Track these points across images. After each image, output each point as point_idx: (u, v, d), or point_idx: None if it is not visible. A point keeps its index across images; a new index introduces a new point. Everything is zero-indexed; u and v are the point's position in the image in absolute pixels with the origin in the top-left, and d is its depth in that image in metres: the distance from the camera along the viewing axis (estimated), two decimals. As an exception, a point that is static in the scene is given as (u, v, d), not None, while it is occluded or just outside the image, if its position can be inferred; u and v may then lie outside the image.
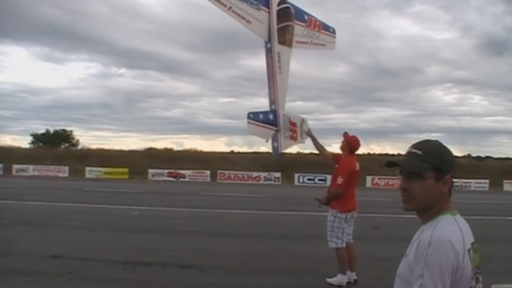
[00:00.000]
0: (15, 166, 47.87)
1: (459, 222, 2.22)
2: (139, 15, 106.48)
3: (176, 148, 68.28)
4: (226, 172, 46.41)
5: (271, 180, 45.13)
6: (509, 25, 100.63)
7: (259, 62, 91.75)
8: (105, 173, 45.84)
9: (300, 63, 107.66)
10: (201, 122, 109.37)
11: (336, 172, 8.32)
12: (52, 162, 50.48)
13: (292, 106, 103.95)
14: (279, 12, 9.65)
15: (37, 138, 73.45)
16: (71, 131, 76.82)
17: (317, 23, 10.59)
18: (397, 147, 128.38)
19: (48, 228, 13.36)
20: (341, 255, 8.22)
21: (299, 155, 67.16)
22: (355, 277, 8.34)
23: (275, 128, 10.00)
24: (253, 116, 9.95)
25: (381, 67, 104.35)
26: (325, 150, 9.11)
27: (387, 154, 73.64)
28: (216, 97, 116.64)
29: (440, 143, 2.34)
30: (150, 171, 45.80)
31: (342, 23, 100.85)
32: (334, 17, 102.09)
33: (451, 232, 2.13)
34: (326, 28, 10.81)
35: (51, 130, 75.01)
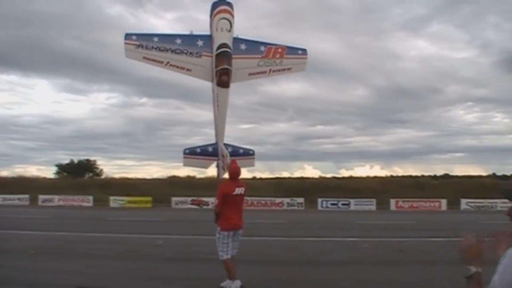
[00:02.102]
0: (41, 197, 48.46)
1: None
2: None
3: (198, 175, 68.29)
4: (248, 198, 46.26)
5: (294, 205, 44.96)
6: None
7: (277, 88, 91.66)
8: (129, 202, 46.12)
9: (319, 87, 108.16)
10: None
11: None
12: (76, 191, 50.89)
13: (313, 130, 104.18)
14: (217, 56, 10.32)
15: (62, 168, 74.01)
16: (94, 160, 77.23)
17: (279, 50, 11.13)
18: (420, 169, 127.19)
19: (73, 258, 13.48)
20: (226, 265, 9.56)
21: (320, 179, 67.03)
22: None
23: (214, 158, 11.43)
24: (189, 151, 11.67)
25: (399, 89, 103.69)
26: None
27: (410, 176, 72.86)
28: (236, 124, 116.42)
29: None
30: (173, 199, 45.90)
31: (359, 46, 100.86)
32: (350, 40, 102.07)
33: None
34: (292, 52, 11.26)
35: (75, 160, 75.78)
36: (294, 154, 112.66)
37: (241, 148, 12.01)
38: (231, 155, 11.05)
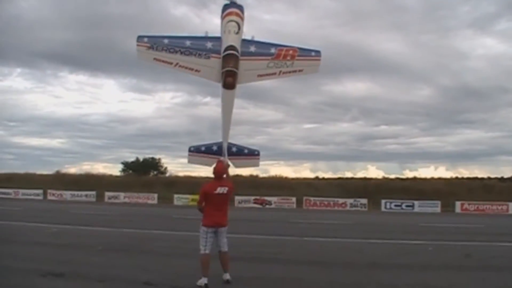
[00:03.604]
0: (107, 193, 49.95)
1: None
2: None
3: (261, 174, 68.49)
4: (312, 198, 46.31)
5: (357, 206, 44.68)
6: None
7: (341, 88, 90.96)
8: (193, 200, 46.66)
9: (384, 87, 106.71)
10: (285, 149, 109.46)
11: None
12: (142, 189, 52.17)
13: (377, 130, 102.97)
14: (223, 58, 10.59)
15: (128, 166, 75.81)
16: (159, 158, 78.80)
17: (290, 51, 11.14)
18: (487, 170, 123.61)
19: (139, 255, 13.74)
20: (202, 259, 9.67)
21: (384, 180, 66.19)
22: (228, 277, 10.02)
23: (218, 157, 11.39)
24: (194, 149, 12.06)
25: (466, 88, 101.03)
26: None
27: (476, 178, 70.83)
28: (300, 123, 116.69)
29: None
30: (236, 198, 46.21)
31: (425, 45, 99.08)
32: (416, 39, 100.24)
33: None
34: (305, 53, 11.24)
35: (141, 158, 77.37)
36: (358, 154, 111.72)
37: (246, 148, 12.23)
38: (235, 155, 11.79)
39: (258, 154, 12.29)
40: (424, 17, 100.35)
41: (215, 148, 11.74)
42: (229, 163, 11.42)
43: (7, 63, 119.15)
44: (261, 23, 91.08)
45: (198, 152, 11.93)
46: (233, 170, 12.26)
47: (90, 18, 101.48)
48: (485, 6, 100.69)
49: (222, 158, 11.16)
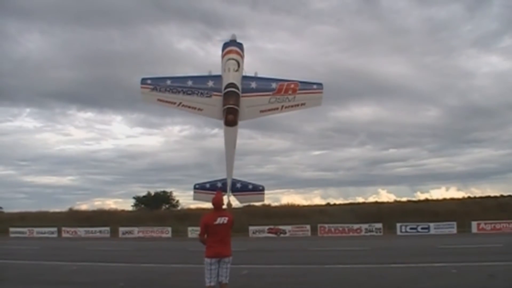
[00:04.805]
0: (121, 229, 49.90)
1: None
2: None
3: (273, 203, 68.34)
4: (326, 225, 46.13)
5: (372, 231, 44.47)
6: None
7: (348, 113, 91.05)
8: (207, 232, 46.63)
9: (390, 110, 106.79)
10: (295, 176, 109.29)
11: None
12: (155, 223, 52.15)
13: (386, 154, 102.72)
14: (224, 95, 10.85)
15: (139, 201, 75.67)
16: (171, 192, 78.49)
17: (291, 85, 11.33)
18: (499, 189, 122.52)
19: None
20: None
21: (396, 203, 65.77)
22: None
23: (223, 194, 11.17)
24: (199, 186, 11.95)
25: (473, 107, 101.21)
26: None
27: (489, 197, 70.13)
28: (308, 151, 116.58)
29: None
30: (250, 228, 46.12)
31: (429, 66, 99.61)
32: (420, 60, 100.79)
33: None
34: (306, 87, 11.42)
35: (152, 192, 77.24)
36: (368, 178, 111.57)
37: (251, 183, 12.16)
38: (240, 191, 11.76)
39: (262, 190, 12.19)
40: (427, 39, 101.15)
41: (219, 184, 11.75)
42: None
43: (16, 104, 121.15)
44: (265, 52, 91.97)
45: (203, 189, 11.93)
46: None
47: (96, 56, 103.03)
48: (487, 24, 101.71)
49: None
